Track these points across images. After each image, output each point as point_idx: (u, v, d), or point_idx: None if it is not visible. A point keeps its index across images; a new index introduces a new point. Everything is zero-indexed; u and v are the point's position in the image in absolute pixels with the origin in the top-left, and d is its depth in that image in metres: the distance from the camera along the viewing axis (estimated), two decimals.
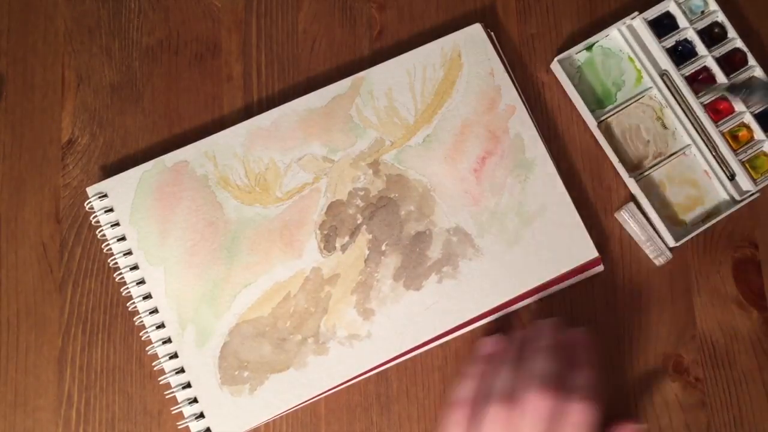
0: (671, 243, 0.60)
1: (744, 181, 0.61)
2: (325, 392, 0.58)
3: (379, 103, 0.62)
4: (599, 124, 0.62)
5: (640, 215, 0.61)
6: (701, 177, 0.63)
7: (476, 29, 0.63)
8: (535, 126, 0.62)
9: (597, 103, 0.64)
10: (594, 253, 0.60)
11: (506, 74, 0.63)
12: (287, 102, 0.62)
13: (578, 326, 0.57)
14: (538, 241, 0.60)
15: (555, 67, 0.63)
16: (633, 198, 0.62)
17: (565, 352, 0.52)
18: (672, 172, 0.63)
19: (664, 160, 0.63)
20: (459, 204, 0.60)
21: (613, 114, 0.63)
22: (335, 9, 0.65)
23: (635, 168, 0.62)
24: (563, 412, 0.48)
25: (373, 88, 0.62)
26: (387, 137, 0.61)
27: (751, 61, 0.63)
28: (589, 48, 0.64)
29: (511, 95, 0.62)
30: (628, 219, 0.61)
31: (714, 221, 0.61)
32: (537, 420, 0.48)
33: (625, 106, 0.63)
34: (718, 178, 0.62)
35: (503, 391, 0.50)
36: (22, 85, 0.63)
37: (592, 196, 0.62)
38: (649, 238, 0.61)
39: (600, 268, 0.61)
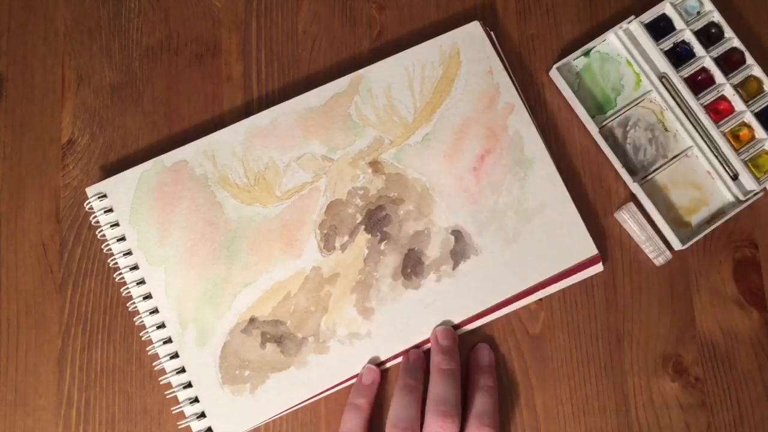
0: (678, 246, 0.60)
1: (747, 181, 0.61)
2: (326, 391, 0.58)
3: (378, 102, 0.62)
4: (601, 128, 0.62)
5: (640, 215, 0.61)
6: (704, 178, 0.63)
7: (474, 27, 0.63)
8: (535, 124, 0.62)
9: (597, 108, 0.64)
10: (593, 251, 0.60)
11: (505, 72, 0.63)
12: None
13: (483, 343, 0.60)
14: (537, 239, 0.59)
15: (554, 74, 0.63)
16: (633, 198, 0.62)
17: (459, 374, 0.57)
18: (675, 174, 0.63)
19: (667, 162, 0.62)
20: (458, 203, 0.60)
21: (614, 119, 0.63)
22: (335, 9, 0.65)
23: (638, 172, 0.62)
24: None
25: (372, 87, 0.62)
26: (386, 136, 0.61)
27: (749, 59, 0.63)
28: (586, 54, 0.64)
29: (510, 93, 0.62)
30: (627, 219, 0.61)
31: (720, 222, 0.61)
32: None
33: (626, 110, 0.63)
34: (722, 179, 0.62)
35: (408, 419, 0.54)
36: (22, 85, 0.63)
37: (591, 197, 0.62)
38: (649, 237, 0.61)
39: (600, 267, 0.61)
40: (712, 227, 0.61)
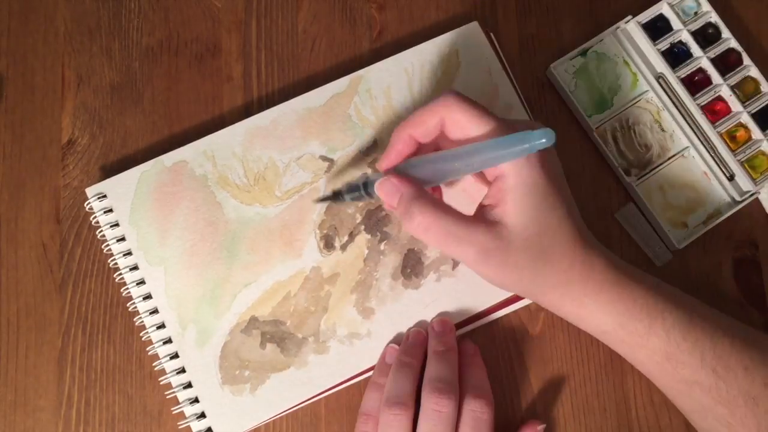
0: (674, 246, 0.61)
1: (744, 182, 0.62)
2: (327, 391, 0.58)
3: (378, 102, 0.62)
4: (597, 128, 0.63)
5: (640, 216, 0.61)
6: (701, 178, 0.63)
7: (473, 28, 0.64)
8: None
9: (594, 108, 0.64)
10: None
11: (504, 73, 0.63)
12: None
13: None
14: None
15: (550, 74, 0.64)
16: (633, 199, 0.62)
17: (456, 357, 0.57)
18: (671, 174, 0.63)
19: (663, 162, 0.63)
20: (457, 203, 0.60)
21: (611, 119, 0.63)
22: (335, 9, 0.65)
23: (635, 171, 0.62)
24: (462, 410, 0.53)
25: (371, 87, 0.62)
26: (386, 136, 0.61)
27: (746, 60, 0.63)
28: (583, 54, 0.64)
29: (508, 94, 0.62)
30: (628, 219, 0.61)
31: (715, 223, 0.61)
32: (437, 421, 0.52)
33: (622, 110, 0.63)
34: (718, 179, 0.63)
35: (399, 395, 0.54)
36: (22, 85, 0.63)
37: (591, 198, 0.62)
38: (649, 238, 0.61)
39: None
40: (708, 227, 0.61)
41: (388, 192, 0.50)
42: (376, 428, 0.54)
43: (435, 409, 0.52)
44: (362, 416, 0.56)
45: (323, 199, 0.59)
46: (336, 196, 0.56)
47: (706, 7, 0.64)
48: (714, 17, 0.64)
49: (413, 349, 0.57)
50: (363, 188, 0.54)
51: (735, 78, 0.63)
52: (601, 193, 0.63)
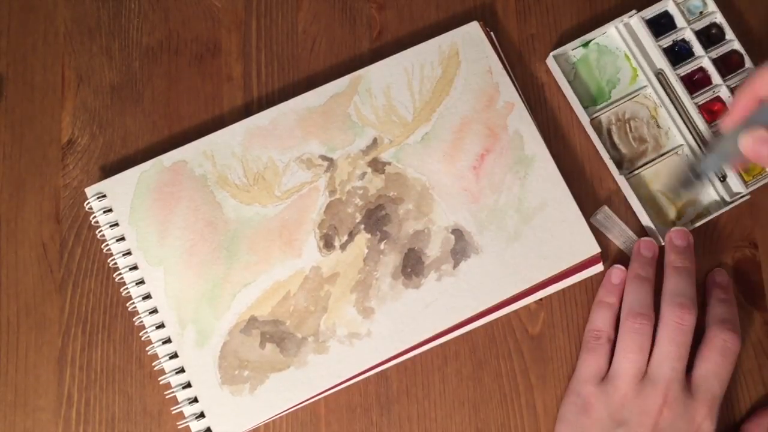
0: (661, 242, 0.61)
1: (735, 183, 0.61)
2: (326, 391, 0.58)
3: (378, 102, 0.62)
4: (592, 120, 0.63)
5: (615, 218, 0.61)
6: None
7: (473, 27, 0.64)
8: (535, 123, 0.62)
9: (591, 100, 0.64)
10: (596, 249, 0.60)
11: (504, 72, 0.63)
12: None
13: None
14: (538, 237, 0.59)
15: (550, 62, 0.64)
16: (608, 202, 0.62)
17: (695, 273, 0.59)
18: (663, 171, 0.63)
19: (656, 159, 0.62)
20: (458, 202, 0.60)
21: (606, 111, 0.63)
22: (335, 9, 0.65)
23: (626, 165, 0.62)
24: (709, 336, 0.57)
25: (372, 87, 0.62)
26: (385, 135, 0.61)
27: (748, 63, 0.63)
28: (585, 45, 0.65)
29: (509, 92, 0.62)
30: (603, 223, 0.61)
31: (703, 221, 0.61)
32: (678, 332, 0.55)
33: (619, 104, 0.63)
34: (710, 179, 0.62)
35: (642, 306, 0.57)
36: (22, 85, 0.63)
37: (591, 197, 0.62)
38: (627, 239, 0.61)
39: (600, 267, 0.61)
40: (695, 226, 0.61)
41: (759, 139, 0.49)
42: (609, 344, 0.58)
43: (677, 322, 0.55)
44: (592, 332, 0.59)
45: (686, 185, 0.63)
46: (696, 177, 0.61)
47: (712, 7, 0.64)
48: (719, 18, 0.63)
49: (649, 266, 0.60)
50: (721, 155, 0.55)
51: (735, 80, 0.63)
52: (601, 193, 0.63)
